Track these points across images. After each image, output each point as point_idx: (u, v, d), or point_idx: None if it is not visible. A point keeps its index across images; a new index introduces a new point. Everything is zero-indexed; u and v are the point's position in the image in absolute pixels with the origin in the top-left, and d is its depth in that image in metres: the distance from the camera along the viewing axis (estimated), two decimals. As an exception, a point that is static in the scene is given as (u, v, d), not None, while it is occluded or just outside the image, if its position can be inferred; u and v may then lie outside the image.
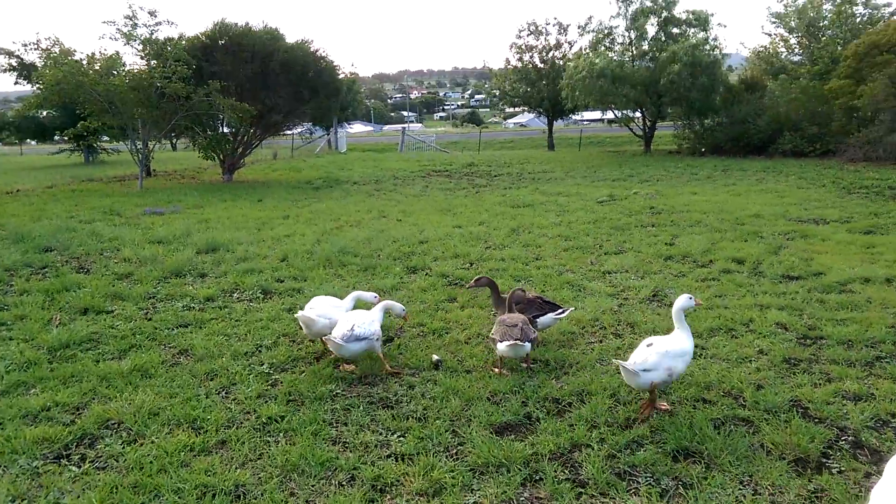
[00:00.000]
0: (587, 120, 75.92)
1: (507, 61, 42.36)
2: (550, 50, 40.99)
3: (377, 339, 5.50)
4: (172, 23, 24.92)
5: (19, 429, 4.61)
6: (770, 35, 39.27)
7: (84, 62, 20.22)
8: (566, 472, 3.96)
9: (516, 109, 64.15)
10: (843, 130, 26.34)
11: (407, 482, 3.89)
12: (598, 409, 4.67)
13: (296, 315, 5.92)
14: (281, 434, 4.51)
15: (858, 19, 34.21)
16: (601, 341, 6.22)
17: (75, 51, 20.34)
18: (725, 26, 64.47)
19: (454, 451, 4.24)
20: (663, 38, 31.96)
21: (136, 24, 20.68)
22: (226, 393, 5.24)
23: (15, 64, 25.67)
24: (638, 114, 34.42)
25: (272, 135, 26.99)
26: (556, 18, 41.36)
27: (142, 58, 21.37)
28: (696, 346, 5.92)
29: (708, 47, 30.50)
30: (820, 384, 5.10)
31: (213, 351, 6.08)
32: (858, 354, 5.64)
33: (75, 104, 20.90)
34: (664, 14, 31.78)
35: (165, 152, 45.19)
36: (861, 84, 24.83)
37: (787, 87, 31.11)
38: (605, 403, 4.77)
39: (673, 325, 4.77)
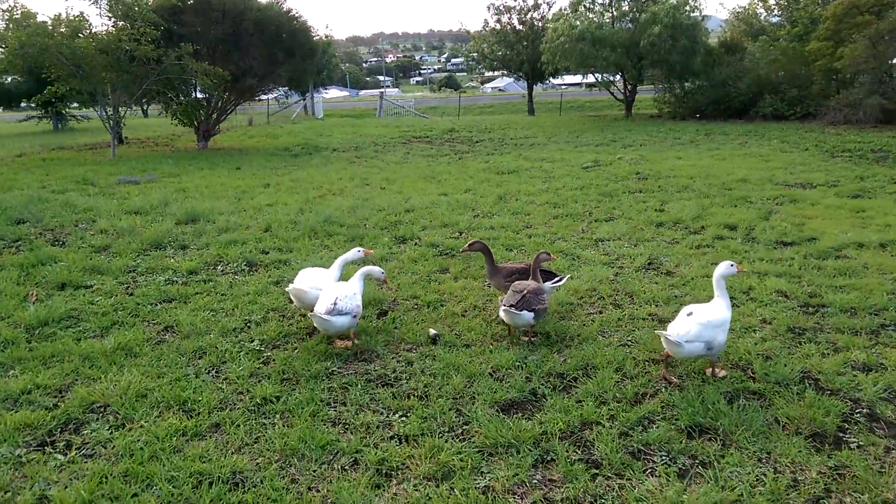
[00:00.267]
0: (566, 84, 75.22)
1: (486, 22, 41.57)
2: (529, 11, 40.23)
3: (358, 316, 5.30)
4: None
5: (-1, 414, 4.36)
6: (749, -5, 38.93)
7: (49, 24, 19.33)
8: (578, 451, 3.82)
9: (495, 73, 63.30)
10: (822, 93, 26.35)
11: (413, 465, 3.73)
12: (605, 383, 4.54)
13: (286, 289, 5.69)
14: (277, 416, 4.32)
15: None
16: (601, 312, 6.09)
17: (37, 13, 19.41)
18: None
19: (460, 431, 4.09)
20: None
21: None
22: (216, 372, 5.02)
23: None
24: (619, 77, 34.08)
25: (247, 100, 26.21)
26: (534, -23, 39.92)
27: (109, 18, 20.49)
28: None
29: (688, 8, 30.13)
30: (828, 354, 5.02)
31: (199, 327, 5.84)
32: (863, 322, 5.57)
33: (41, 69, 20.02)
34: (644, -27, 31.27)
35: (137, 118, 43.94)
36: (840, 46, 24.71)
37: (766, 49, 30.96)
38: (611, 378, 4.63)
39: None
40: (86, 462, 3.85)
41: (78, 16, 19.70)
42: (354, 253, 6.12)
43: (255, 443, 4.02)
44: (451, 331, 5.69)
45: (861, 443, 3.84)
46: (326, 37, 48.69)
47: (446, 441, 3.94)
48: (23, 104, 39.85)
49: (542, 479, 3.60)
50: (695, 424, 4.01)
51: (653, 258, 7.76)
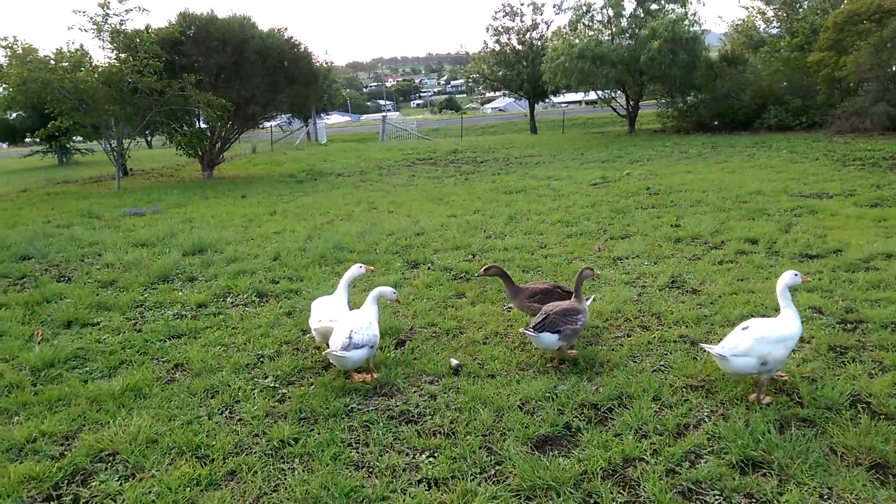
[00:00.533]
0: (565, 102, 75.40)
1: (485, 44, 41.73)
2: (527, 31, 40.38)
3: (375, 346, 5.07)
4: (144, 10, 23.95)
5: (2, 466, 4.11)
6: (747, 8, 39.07)
7: (52, 59, 19.36)
8: (624, 493, 3.55)
9: (495, 94, 63.53)
10: (827, 102, 26.21)
11: (445, 512, 3.47)
12: (643, 414, 4.27)
13: (313, 328, 5.47)
14: (296, 459, 4.06)
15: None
16: (628, 335, 5.83)
17: (36, 49, 19.43)
18: (704, 3, 63.85)
19: (492, 472, 3.82)
20: (642, 15, 31.59)
21: (108, 15, 19.81)
22: (230, 412, 4.77)
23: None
24: (621, 93, 34.04)
25: (250, 127, 26.24)
26: (530, -1, 40.08)
27: (112, 51, 20.52)
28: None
29: (687, 23, 30.14)
30: (876, 374, 4.75)
31: (210, 364, 5.60)
32: (906, 339, 5.30)
33: (44, 103, 20.03)
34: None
35: (141, 150, 44.05)
36: (843, 55, 24.61)
37: (768, 60, 30.91)
38: (649, 407, 4.36)
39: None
40: (94, 517, 3.60)
41: (78, 49, 19.75)
42: (356, 269, 5.93)
43: (275, 491, 3.76)
44: (473, 360, 5.43)
45: (929, 474, 3.57)
46: (327, 63, 48.95)
47: (479, 484, 3.67)
48: (27, 139, 40.10)
49: (586, 524, 3.34)
50: (746, 458, 3.73)
51: (675, 276, 7.51)
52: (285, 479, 3.85)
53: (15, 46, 19.05)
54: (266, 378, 5.30)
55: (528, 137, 36.95)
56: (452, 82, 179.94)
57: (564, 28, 34.17)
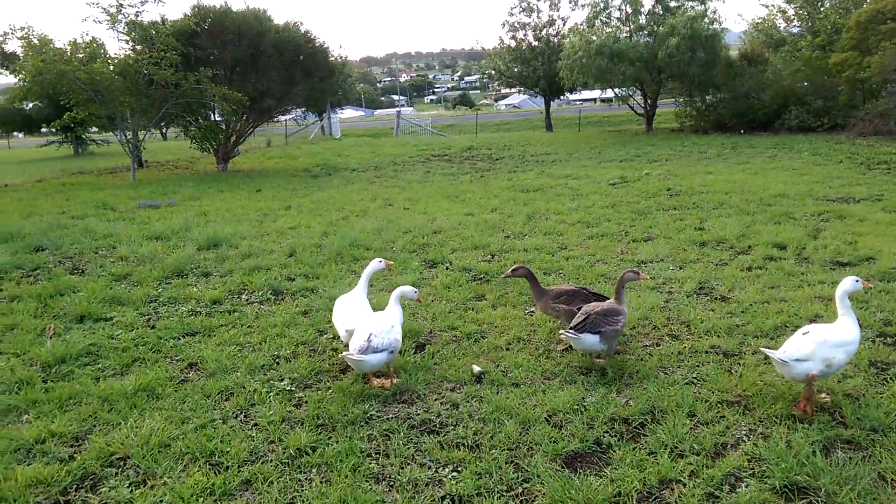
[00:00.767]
0: (581, 100, 74.89)
1: (501, 40, 41.36)
2: (544, 27, 39.97)
3: (396, 350, 4.90)
4: (160, 0, 23.83)
5: (10, 468, 3.98)
6: (767, 7, 38.53)
7: (67, 50, 19.31)
8: (662, 516, 3.36)
9: (511, 90, 63.14)
10: (849, 103, 25.70)
11: (472, 532, 3.28)
12: (677, 431, 4.06)
13: (339, 333, 5.33)
14: (314, 470, 3.89)
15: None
16: (657, 344, 5.61)
17: (52, 39, 19.37)
18: (724, 1, 63.21)
19: (520, 490, 3.63)
20: (661, 12, 31.17)
21: (122, 5, 19.72)
22: (244, 416, 4.62)
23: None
24: (638, 92, 33.62)
25: (265, 121, 26.11)
26: (547, -7, 39.65)
27: (127, 42, 20.45)
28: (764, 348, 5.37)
29: (707, 20, 29.67)
30: (922, 393, 4.51)
31: (225, 364, 5.45)
32: (951, 354, 5.06)
33: (59, 94, 20.00)
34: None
35: (156, 142, 44.16)
36: (867, 55, 24.11)
37: (789, 59, 30.40)
38: (683, 424, 4.15)
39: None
40: (104, 527, 3.45)
41: (94, 40, 19.69)
42: (376, 264, 5.80)
43: (292, 503, 3.60)
44: (496, 367, 5.24)
45: None
46: (341, 57, 48.83)
47: (506, 503, 3.48)
48: (43, 129, 40.27)
49: (622, 550, 3.15)
50: (791, 483, 3.51)
51: (703, 282, 7.27)
52: (303, 490, 3.69)
53: (31, 37, 19.01)
54: (282, 380, 5.14)
55: (543, 135, 36.61)
56: (466, 78, 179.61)
57: (581, 25, 33.76)
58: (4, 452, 4.16)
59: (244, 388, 5.01)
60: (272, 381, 5.13)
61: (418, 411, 4.56)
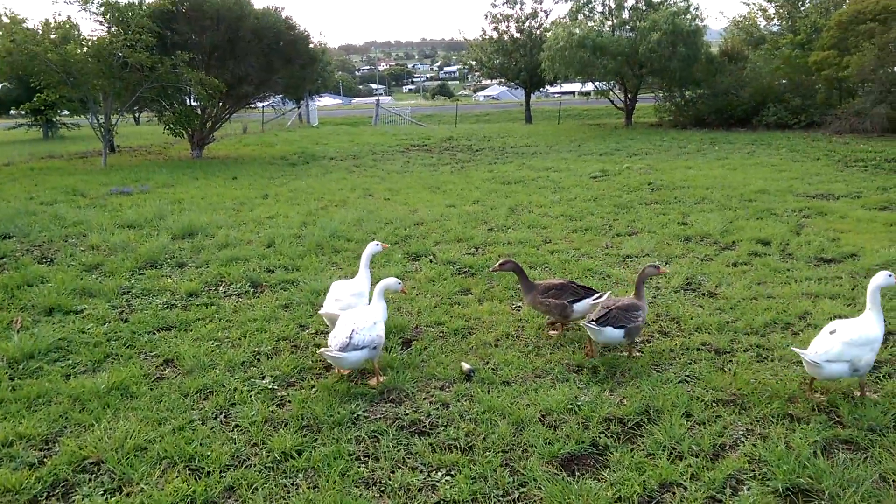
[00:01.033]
0: (560, 92, 74.84)
1: (483, 31, 41.14)
2: (527, 19, 39.82)
3: (379, 346, 4.74)
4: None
5: (-26, 473, 3.74)
6: (748, 5, 38.72)
7: (39, 30, 18.67)
8: (664, 523, 3.25)
9: (490, 82, 62.91)
10: (827, 102, 25.99)
11: (467, 540, 3.14)
12: (674, 432, 3.96)
13: (321, 312, 5.22)
14: (301, 475, 3.71)
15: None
16: (648, 341, 5.52)
17: (24, 19, 18.72)
18: (706, -4, 63.59)
19: (517, 495, 3.49)
20: (643, 7, 31.19)
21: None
22: (225, 417, 4.42)
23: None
24: (617, 85, 33.65)
25: (242, 107, 25.61)
26: (530, -14, 39.62)
27: (101, 23, 19.83)
28: (756, 346, 5.32)
29: (689, 16, 29.77)
30: (917, 393, 4.47)
31: (203, 361, 5.23)
32: (943, 353, 5.03)
33: (30, 76, 19.35)
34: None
35: (129, 126, 43.14)
36: (846, 54, 24.37)
37: (769, 57, 30.63)
38: (680, 424, 4.05)
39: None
40: (76, 536, 3.25)
41: (66, 21, 19.07)
42: (373, 247, 5.75)
43: (277, 510, 3.42)
44: (485, 364, 5.11)
45: None
46: (321, 45, 48.09)
47: (503, 509, 3.35)
48: (12, 111, 39.13)
49: (624, 560, 3.03)
50: (793, 486, 3.43)
51: (690, 278, 7.21)
52: (289, 497, 3.51)
53: (1, 16, 18.36)
54: (264, 378, 4.95)
55: (523, 127, 36.50)
56: (446, 68, 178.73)
57: (564, 18, 33.67)
58: (-32, 455, 3.92)
59: (224, 386, 4.81)
60: (253, 380, 4.93)
61: (407, 411, 4.41)
